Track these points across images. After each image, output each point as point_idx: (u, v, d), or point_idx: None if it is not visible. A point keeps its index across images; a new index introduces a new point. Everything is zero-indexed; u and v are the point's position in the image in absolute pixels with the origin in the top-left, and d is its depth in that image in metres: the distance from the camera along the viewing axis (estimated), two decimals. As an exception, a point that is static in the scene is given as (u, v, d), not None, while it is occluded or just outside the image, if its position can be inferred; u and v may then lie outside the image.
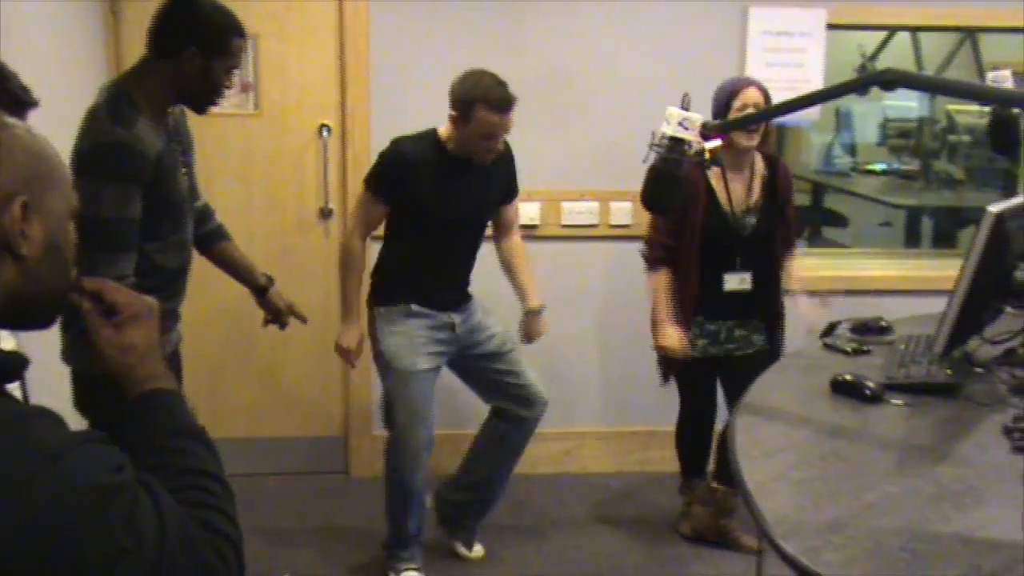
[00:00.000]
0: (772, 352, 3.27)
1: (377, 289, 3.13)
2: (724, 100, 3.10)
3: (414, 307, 3.03)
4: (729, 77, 3.25)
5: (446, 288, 3.09)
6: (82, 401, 2.38)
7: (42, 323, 1.09)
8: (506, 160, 3.10)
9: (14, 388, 1.01)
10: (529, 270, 3.27)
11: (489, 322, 3.16)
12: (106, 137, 2.18)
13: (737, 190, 3.22)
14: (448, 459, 3.43)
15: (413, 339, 3.03)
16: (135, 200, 2.22)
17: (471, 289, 3.17)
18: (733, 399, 3.21)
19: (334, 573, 3.26)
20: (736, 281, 3.22)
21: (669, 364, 3.32)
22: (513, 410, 3.17)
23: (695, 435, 3.49)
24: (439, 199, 2.96)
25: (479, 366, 3.16)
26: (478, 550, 3.36)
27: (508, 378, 3.15)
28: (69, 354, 2.38)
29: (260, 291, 2.78)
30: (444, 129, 2.97)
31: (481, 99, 2.82)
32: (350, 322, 3.11)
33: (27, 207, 0.98)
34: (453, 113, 2.88)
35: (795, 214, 3.43)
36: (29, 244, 0.99)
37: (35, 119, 1.90)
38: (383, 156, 3.00)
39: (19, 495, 0.85)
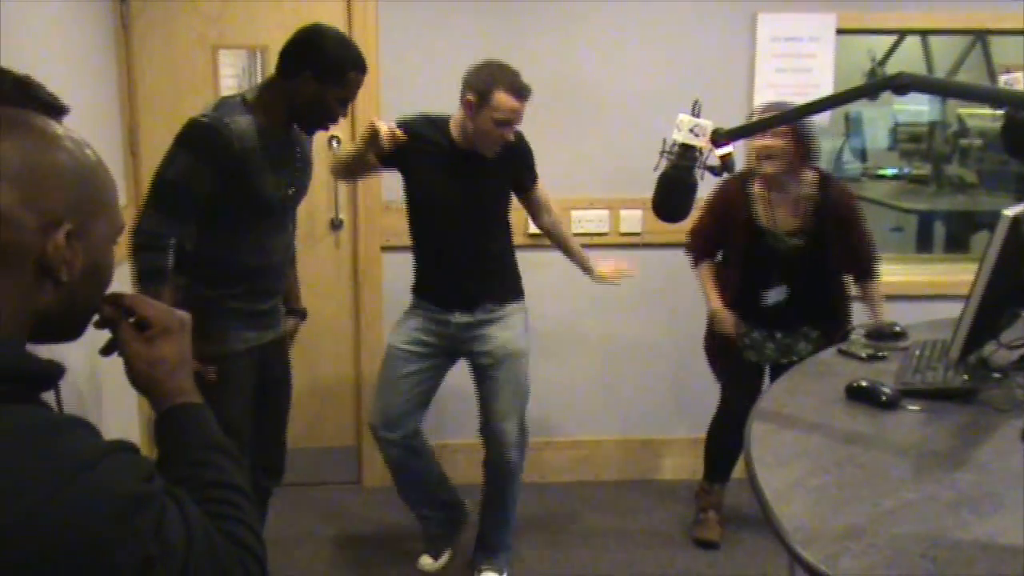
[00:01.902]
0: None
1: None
2: None
3: (418, 301, 3.11)
4: (738, 83, 3.25)
5: (448, 286, 3.05)
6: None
7: (70, 338, 1.09)
8: (516, 154, 3.02)
9: (49, 396, 1.02)
10: (573, 242, 3.27)
11: (496, 334, 3.05)
12: (199, 117, 2.45)
13: (781, 211, 3.20)
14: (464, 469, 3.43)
15: (405, 323, 3.11)
16: (203, 176, 2.42)
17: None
18: None
19: (348, 584, 3.26)
20: (774, 296, 3.24)
21: (721, 359, 3.37)
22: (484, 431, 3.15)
23: (727, 438, 3.47)
24: (429, 187, 2.95)
25: (472, 369, 3.15)
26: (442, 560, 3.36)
27: (480, 399, 3.14)
28: None
29: (288, 311, 2.88)
30: (453, 120, 2.94)
31: (501, 83, 2.80)
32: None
33: (71, 235, 0.98)
34: (470, 97, 2.83)
35: (869, 239, 3.28)
36: (70, 270, 0.99)
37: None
38: (406, 118, 2.96)
39: (51, 502, 0.85)
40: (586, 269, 3.22)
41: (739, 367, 3.35)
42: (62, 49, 3.00)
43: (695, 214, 3.29)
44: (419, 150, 2.92)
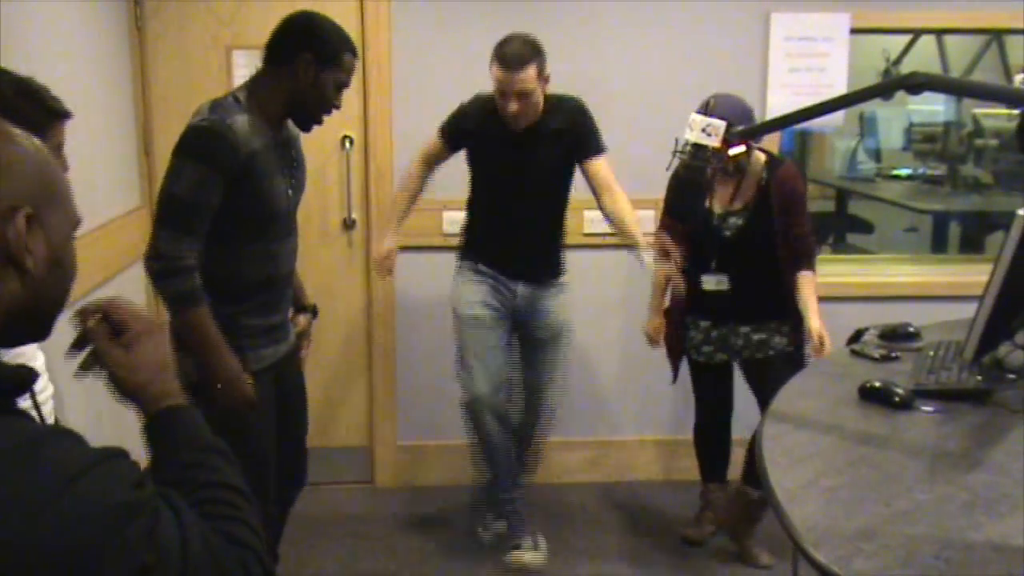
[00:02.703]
0: (794, 355, 3.22)
1: (460, 245, 3.30)
2: None
3: (481, 266, 3.18)
4: (751, 83, 3.23)
5: (510, 256, 3.16)
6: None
7: (38, 337, 1.06)
8: (570, 126, 3.06)
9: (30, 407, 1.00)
10: (635, 219, 3.09)
11: (552, 307, 3.18)
12: (199, 121, 2.29)
13: (721, 192, 3.14)
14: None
15: (473, 290, 3.17)
16: (213, 187, 2.27)
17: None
18: (762, 402, 3.21)
19: (360, 584, 3.26)
20: (713, 283, 3.19)
21: (673, 362, 3.38)
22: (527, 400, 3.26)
23: (706, 441, 3.52)
24: (488, 163, 3.09)
25: (524, 342, 3.25)
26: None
27: (527, 371, 3.24)
28: (177, 371, 2.43)
29: (297, 309, 2.77)
30: None
31: (496, 55, 2.92)
32: (385, 232, 3.28)
33: (31, 220, 0.96)
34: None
35: (806, 229, 3.13)
36: (33, 258, 0.97)
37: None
38: (460, 104, 3.16)
39: (38, 520, 0.84)
40: (639, 257, 3.04)
41: (698, 372, 3.37)
42: (76, 50, 3.02)
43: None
44: (476, 131, 3.10)
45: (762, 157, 3.16)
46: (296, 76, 2.35)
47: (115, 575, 0.87)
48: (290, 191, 2.49)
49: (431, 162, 3.23)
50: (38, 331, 1.05)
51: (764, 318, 3.23)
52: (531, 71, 2.91)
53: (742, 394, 3.38)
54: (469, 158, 3.17)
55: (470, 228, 3.28)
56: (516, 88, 2.90)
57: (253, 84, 2.41)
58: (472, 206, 3.25)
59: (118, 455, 0.94)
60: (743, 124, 2.75)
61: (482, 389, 3.11)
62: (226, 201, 2.30)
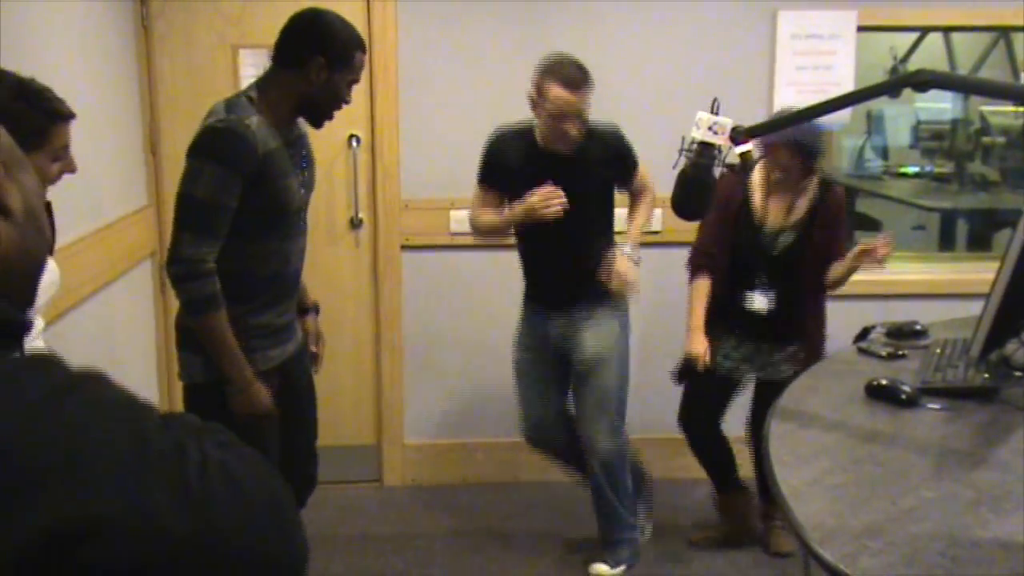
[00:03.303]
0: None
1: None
2: None
3: (524, 305, 3.17)
4: (758, 81, 3.22)
5: (549, 287, 3.10)
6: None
7: (25, 299, 1.01)
8: (614, 150, 2.99)
9: None
10: (641, 218, 3.12)
11: (589, 339, 3.04)
12: (216, 122, 2.27)
13: (775, 207, 3.14)
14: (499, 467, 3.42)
15: (522, 332, 3.20)
16: (233, 188, 2.26)
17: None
18: (756, 419, 3.24)
19: (367, 582, 3.27)
20: (759, 300, 3.15)
21: (690, 371, 3.29)
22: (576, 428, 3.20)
23: (705, 449, 3.44)
24: (520, 192, 2.88)
25: (572, 377, 3.17)
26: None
27: (575, 401, 3.17)
28: (182, 371, 2.46)
29: (301, 311, 2.75)
30: (537, 123, 2.92)
31: (553, 75, 2.78)
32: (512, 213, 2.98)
33: (6, 165, 0.93)
34: (531, 94, 2.84)
35: (843, 247, 3.15)
36: (13, 200, 0.93)
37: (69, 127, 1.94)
38: (485, 146, 3.04)
39: (40, 420, 0.77)
40: (620, 248, 3.05)
41: (706, 378, 3.25)
42: (82, 50, 3.02)
43: (698, 226, 3.25)
44: (516, 167, 2.95)
45: (815, 178, 3.14)
46: (308, 78, 2.34)
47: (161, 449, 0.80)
48: (302, 189, 2.49)
49: (488, 206, 3.06)
50: (24, 287, 0.99)
51: (789, 340, 3.21)
52: (590, 92, 2.84)
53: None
54: (510, 196, 2.96)
55: (523, 266, 3.16)
56: (578, 109, 2.82)
57: (264, 84, 2.39)
58: (521, 244, 3.11)
59: (98, 377, 0.87)
60: (811, 142, 2.90)
61: (526, 432, 3.25)
62: (241, 200, 2.29)
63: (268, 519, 0.91)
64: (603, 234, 3.06)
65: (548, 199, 2.79)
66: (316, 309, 2.84)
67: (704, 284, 3.22)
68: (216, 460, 0.87)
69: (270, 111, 2.34)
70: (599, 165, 2.95)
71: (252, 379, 2.37)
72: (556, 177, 2.84)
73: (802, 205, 3.14)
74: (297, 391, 2.65)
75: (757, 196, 3.15)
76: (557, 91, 2.77)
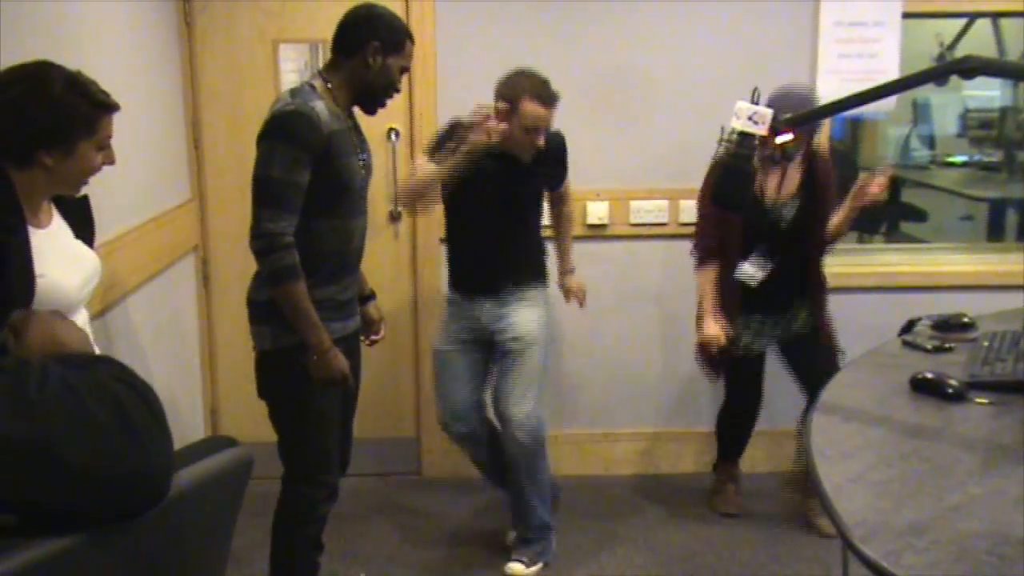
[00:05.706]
0: (814, 326, 3.36)
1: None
2: None
3: (449, 293, 3.24)
4: (800, 70, 3.21)
5: (474, 273, 3.17)
6: (263, 385, 2.64)
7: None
8: (554, 155, 3.14)
9: None
10: (570, 238, 3.41)
11: (516, 320, 3.12)
12: (283, 107, 2.46)
13: (770, 184, 3.23)
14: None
15: (445, 322, 3.27)
16: (303, 166, 2.43)
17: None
18: (805, 382, 3.34)
19: (408, 574, 3.28)
20: (751, 270, 3.27)
21: (714, 362, 3.38)
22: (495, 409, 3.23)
23: (735, 428, 3.63)
24: (468, 189, 3.01)
25: (497, 357, 3.21)
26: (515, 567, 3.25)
27: (498, 381, 3.19)
28: (254, 340, 2.62)
29: (362, 300, 2.90)
30: None
31: (528, 91, 2.93)
32: None
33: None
34: (500, 106, 2.95)
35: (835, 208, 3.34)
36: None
37: (115, 123, 1.97)
38: (447, 124, 3.10)
39: None
40: (563, 271, 3.36)
41: (734, 363, 3.41)
42: (128, 47, 3.06)
43: (695, 215, 3.43)
44: (478, 167, 3.00)
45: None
46: (366, 63, 2.53)
47: None
48: (363, 171, 2.65)
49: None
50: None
51: (793, 303, 3.36)
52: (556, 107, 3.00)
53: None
54: (452, 192, 3.05)
55: (452, 253, 3.24)
56: (549, 123, 2.99)
57: (325, 73, 2.58)
58: (454, 231, 3.21)
59: None
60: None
61: (449, 424, 3.27)
62: (312, 179, 2.46)
63: (117, 433, 0.98)
64: (535, 222, 3.21)
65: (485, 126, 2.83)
66: (374, 295, 3.00)
67: (713, 271, 3.32)
68: (58, 375, 0.95)
69: (331, 97, 2.53)
70: (543, 166, 3.12)
71: (331, 345, 2.53)
72: (500, 174, 3.02)
73: (793, 176, 3.25)
74: (352, 370, 2.74)
75: (758, 178, 3.18)
76: (533, 107, 2.93)
